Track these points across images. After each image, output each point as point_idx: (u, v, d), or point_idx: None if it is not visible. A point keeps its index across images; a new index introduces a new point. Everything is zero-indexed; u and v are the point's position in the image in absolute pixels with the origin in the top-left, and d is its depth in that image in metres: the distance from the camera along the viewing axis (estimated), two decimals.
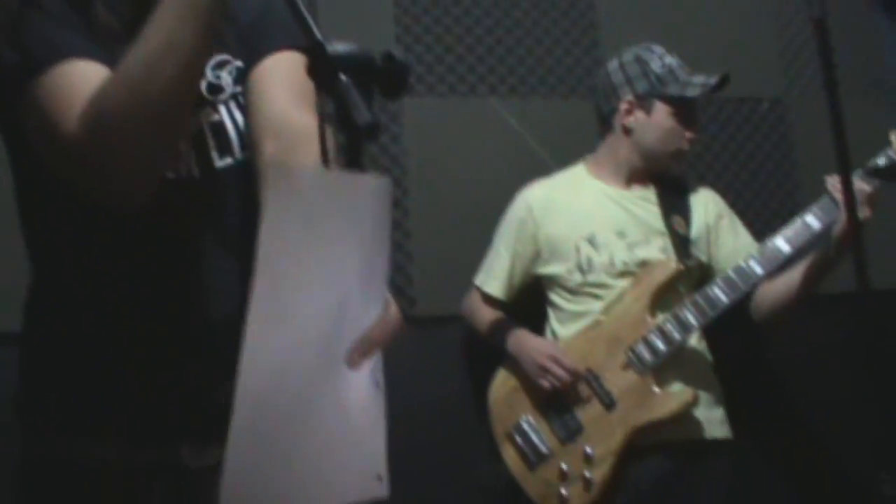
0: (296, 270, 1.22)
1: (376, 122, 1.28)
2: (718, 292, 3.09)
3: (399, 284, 3.50)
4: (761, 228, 3.59)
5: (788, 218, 3.81)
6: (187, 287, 1.78)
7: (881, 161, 3.02)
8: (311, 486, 1.29)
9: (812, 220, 3.09)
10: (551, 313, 3.27)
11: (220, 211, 1.80)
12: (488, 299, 3.31)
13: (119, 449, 1.75)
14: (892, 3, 4.00)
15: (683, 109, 3.21)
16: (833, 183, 3.01)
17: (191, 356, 1.78)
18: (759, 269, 3.10)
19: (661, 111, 3.20)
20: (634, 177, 3.28)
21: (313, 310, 1.25)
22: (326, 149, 1.35)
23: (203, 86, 1.78)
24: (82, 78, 1.55)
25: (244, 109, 1.81)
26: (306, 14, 1.39)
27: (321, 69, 1.34)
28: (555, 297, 3.25)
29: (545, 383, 3.07)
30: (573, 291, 3.20)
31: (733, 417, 3.20)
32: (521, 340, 3.19)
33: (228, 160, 1.79)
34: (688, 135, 3.22)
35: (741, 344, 3.50)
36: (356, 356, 1.32)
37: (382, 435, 1.37)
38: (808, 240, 3.10)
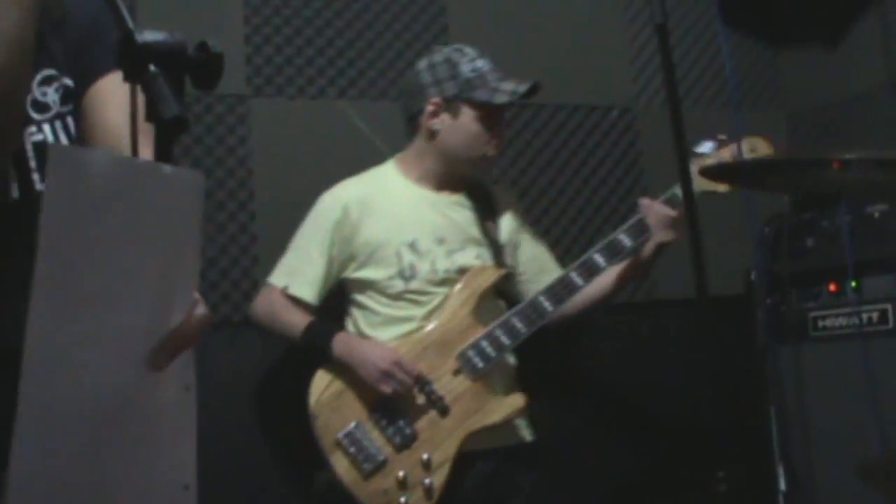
0: (85, 258, 1.15)
1: (183, 116, 1.24)
2: (544, 301, 3.11)
3: (245, 288, 3.44)
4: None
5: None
6: None
7: (678, 191, 3.10)
8: (111, 496, 1.23)
9: (625, 238, 3.16)
10: (359, 314, 3.18)
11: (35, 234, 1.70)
12: (296, 302, 3.15)
13: None
14: (731, 13, 4.07)
15: (490, 115, 3.15)
16: (646, 206, 3.14)
17: None
18: (580, 281, 3.13)
19: (468, 115, 3.14)
20: (444, 182, 3.24)
21: (107, 303, 1.19)
22: (136, 143, 1.30)
23: (27, 102, 1.69)
24: None
25: (69, 131, 1.74)
26: (118, 2, 1.34)
27: (130, 58, 1.29)
28: (367, 300, 3.16)
29: (387, 389, 2.97)
30: (392, 297, 3.12)
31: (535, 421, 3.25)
32: (353, 346, 3.07)
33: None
34: (494, 141, 3.18)
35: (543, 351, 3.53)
36: (161, 357, 1.26)
37: (192, 442, 1.32)
38: (620, 257, 3.18)
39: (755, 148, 3.20)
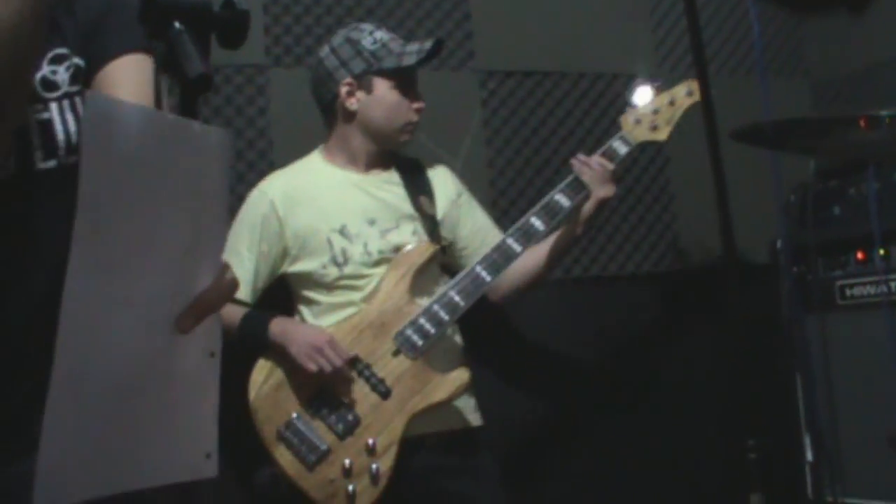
0: (119, 213, 1.12)
1: (208, 74, 1.21)
2: (481, 271, 3.04)
3: None
4: (634, 206, 3.63)
5: (660, 192, 3.90)
6: None
7: (616, 144, 3.18)
8: (135, 463, 1.20)
9: (562, 198, 3.11)
10: (304, 308, 3.13)
11: (35, 215, 1.67)
12: (233, 302, 2.99)
13: None
14: None
15: (404, 81, 3.13)
16: (579, 164, 3.10)
17: None
18: (517, 247, 3.07)
19: (382, 86, 3.10)
20: (372, 161, 3.20)
21: (138, 264, 1.16)
22: (161, 101, 1.27)
23: (37, 80, 1.66)
24: None
25: (76, 111, 1.71)
26: None
27: (153, 15, 1.26)
28: (308, 292, 3.11)
29: (314, 367, 2.89)
30: (329, 286, 3.07)
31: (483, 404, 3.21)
32: (288, 326, 3.01)
33: (52, 163, 1.67)
34: (414, 105, 3.14)
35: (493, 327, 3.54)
36: (188, 320, 1.23)
37: (214, 409, 1.29)
38: (559, 218, 3.13)
39: (692, 91, 3.18)
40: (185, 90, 1.22)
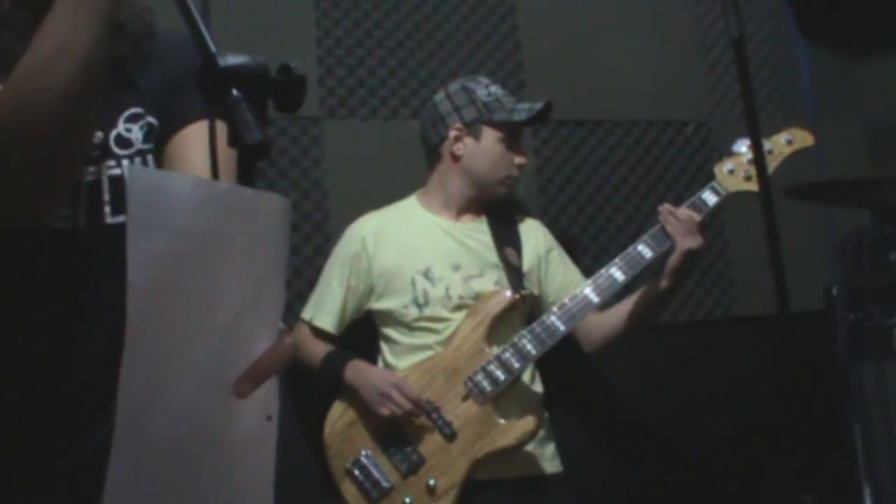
0: (172, 287, 1.15)
1: (266, 142, 1.23)
2: (556, 321, 3.06)
3: None
4: None
5: (715, 238, 3.88)
6: (52, 345, 1.69)
7: (705, 194, 3.14)
8: None
9: (644, 249, 3.10)
10: (385, 346, 3.19)
11: (103, 269, 1.66)
12: (319, 333, 3.20)
13: None
14: (806, 25, 4.03)
15: (511, 135, 3.19)
16: (665, 213, 3.07)
17: (47, 417, 1.69)
18: (594, 297, 3.08)
19: (490, 137, 3.18)
20: (465, 207, 3.26)
21: (196, 332, 1.18)
22: (217, 166, 1.29)
23: (113, 136, 1.70)
24: None
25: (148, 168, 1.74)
26: (200, 24, 1.34)
27: (212, 83, 1.28)
28: (389, 330, 3.17)
29: (385, 411, 2.97)
30: (409, 326, 3.12)
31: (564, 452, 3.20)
32: (360, 370, 3.08)
33: (121, 218, 1.69)
34: (517, 160, 3.20)
35: (574, 376, 3.53)
36: (245, 385, 1.25)
37: (271, 471, 1.30)
38: (640, 269, 3.12)
39: (793, 140, 3.16)
40: (242, 157, 1.24)
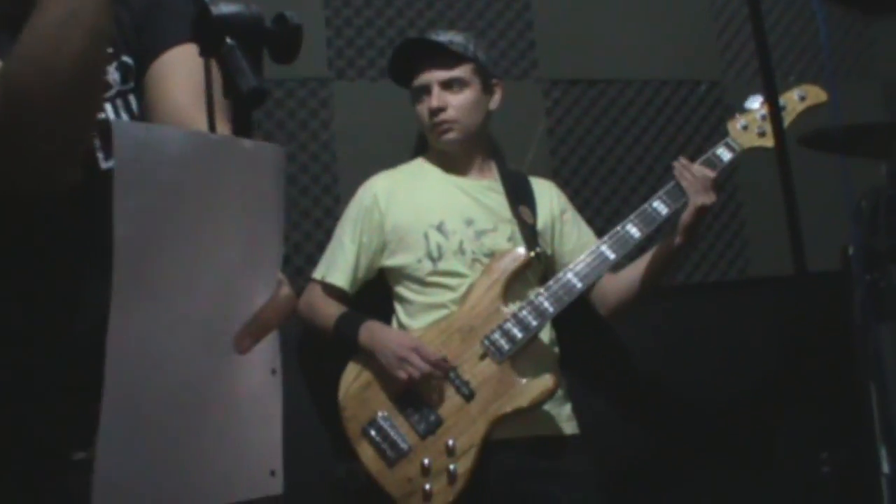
0: (161, 240, 1.13)
1: (261, 88, 1.21)
2: (572, 277, 3.05)
3: None
4: None
5: (728, 198, 3.85)
6: (54, 296, 1.70)
7: (720, 150, 3.12)
8: (196, 482, 1.21)
9: (660, 205, 3.09)
10: (399, 307, 3.18)
11: (102, 215, 1.69)
12: (332, 292, 3.18)
13: None
14: None
15: (417, 89, 3.24)
16: (680, 168, 3.05)
17: (55, 365, 1.69)
18: (611, 254, 3.07)
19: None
20: (463, 166, 3.26)
21: (189, 289, 1.16)
22: (213, 117, 1.26)
23: None
24: None
25: (130, 109, 1.75)
26: None
27: (206, 31, 1.26)
28: (403, 289, 3.16)
29: (404, 375, 2.94)
30: (423, 282, 3.11)
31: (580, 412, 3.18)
32: (376, 332, 3.05)
33: (113, 162, 1.69)
34: (430, 105, 3.18)
35: (590, 337, 3.49)
36: (246, 340, 1.23)
37: (278, 426, 1.29)
38: (656, 225, 3.10)
39: (805, 96, 3.13)
40: (238, 104, 1.22)
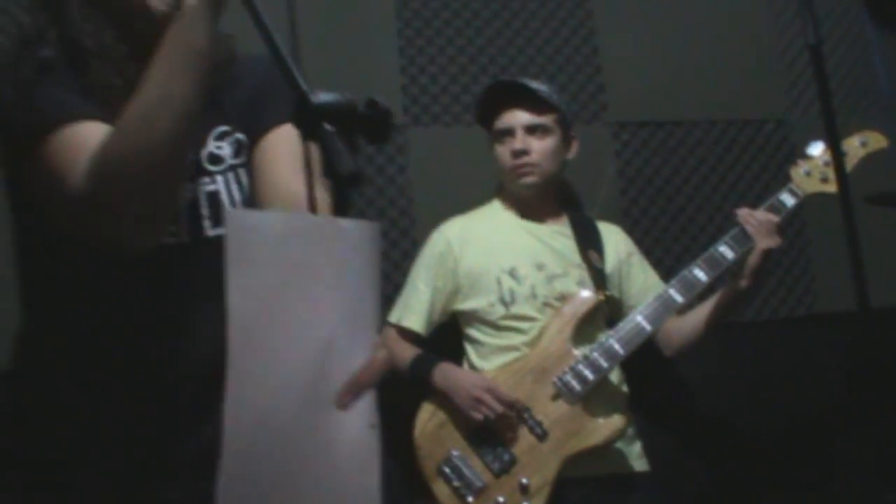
0: (269, 315, 1.27)
1: (359, 171, 1.32)
2: (641, 320, 3.12)
3: None
4: None
5: (795, 237, 3.87)
6: (167, 342, 1.83)
7: (783, 196, 3.18)
8: None
9: (726, 250, 3.15)
10: (470, 348, 3.25)
11: (205, 277, 1.74)
12: (406, 335, 3.24)
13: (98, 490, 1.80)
14: (879, 12, 4.01)
15: (500, 130, 3.30)
16: (744, 215, 3.10)
17: (166, 409, 1.83)
18: (679, 298, 3.13)
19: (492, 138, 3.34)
20: (537, 210, 3.34)
21: (294, 352, 1.29)
22: (313, 197, 1.39)
23: (204, 155, 1.86)
24: (87, 136, 1.63)
25: (241, 182, 1.90)
26: (291, 65, 1.44)
27: (305, 118, 1.38)
28: (475, 332, 3.23)
29: (478, 416, 3.00)
30: (496, 326, 3.18)
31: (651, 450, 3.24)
32: (450, 373, 3.12)
33: (221, 230, 1.83)
34: (513, 147, 3.25)
35: (658, 377, 3.54)
36: (345, 397, 1.35)
37: (376, 476, 1.40)
38: (722, 269, 3.16)
39: (867, 142, 3.19)
40: (337, 186, 1.34)
